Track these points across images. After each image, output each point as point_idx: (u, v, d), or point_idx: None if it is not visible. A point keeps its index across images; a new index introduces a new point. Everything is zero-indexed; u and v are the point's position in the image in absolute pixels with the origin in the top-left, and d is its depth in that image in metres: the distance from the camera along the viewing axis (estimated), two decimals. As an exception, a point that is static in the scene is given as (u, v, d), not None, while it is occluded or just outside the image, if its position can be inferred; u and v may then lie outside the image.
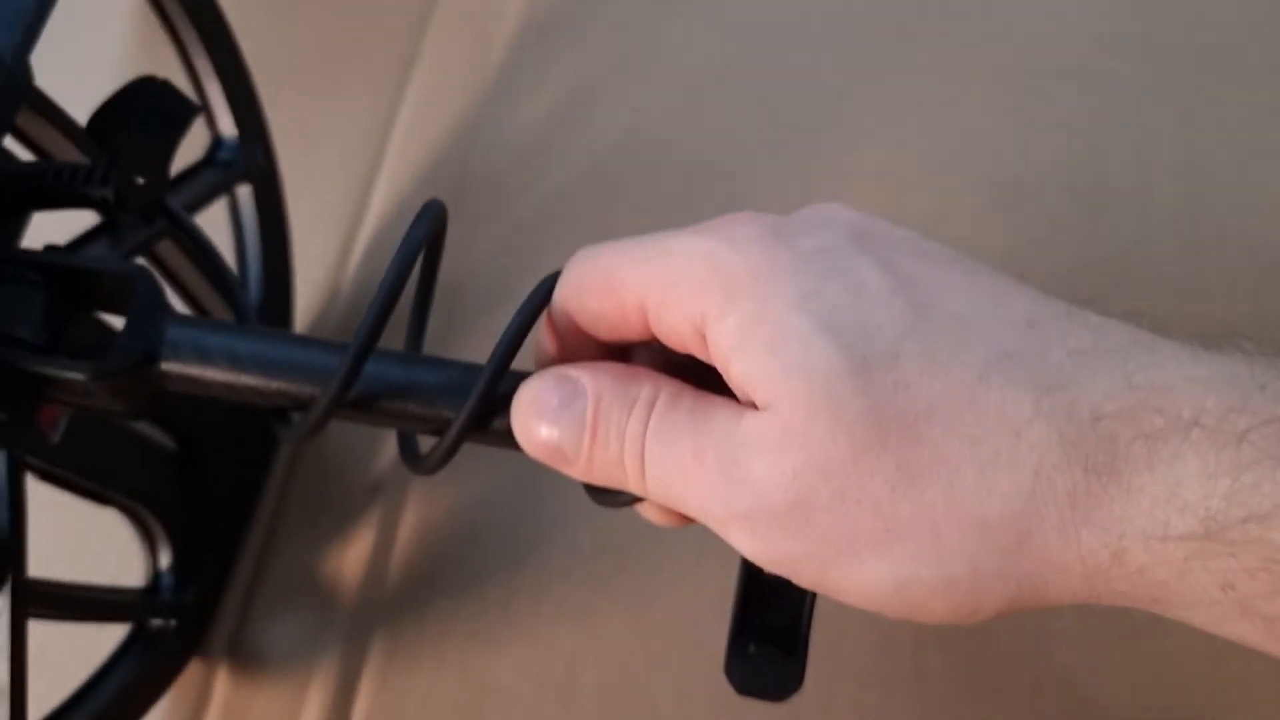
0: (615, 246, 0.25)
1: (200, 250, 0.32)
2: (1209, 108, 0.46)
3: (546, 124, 0.49)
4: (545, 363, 0.27)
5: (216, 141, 0.41)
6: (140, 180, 0.30)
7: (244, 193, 0.42)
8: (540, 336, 0.27)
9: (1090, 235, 0.44)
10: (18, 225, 0.31)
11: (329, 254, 0.48)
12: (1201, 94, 0.47)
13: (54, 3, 0.32)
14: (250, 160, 0.41)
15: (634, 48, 0.51)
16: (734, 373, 0.22)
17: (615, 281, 0.25)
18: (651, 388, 0.24)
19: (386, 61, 0.52)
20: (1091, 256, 0.43)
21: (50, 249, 0.32)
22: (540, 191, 0.47)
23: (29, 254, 0.30)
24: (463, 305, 0.45)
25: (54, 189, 0.31)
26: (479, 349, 0.44)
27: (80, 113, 0.33)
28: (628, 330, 0.25)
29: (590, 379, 0.25)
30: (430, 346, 0.31)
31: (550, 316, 0.27)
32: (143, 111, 0.30)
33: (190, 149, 0.38)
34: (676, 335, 0.24)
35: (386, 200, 0.49)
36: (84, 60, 0.50)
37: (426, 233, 0.27)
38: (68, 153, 0.34)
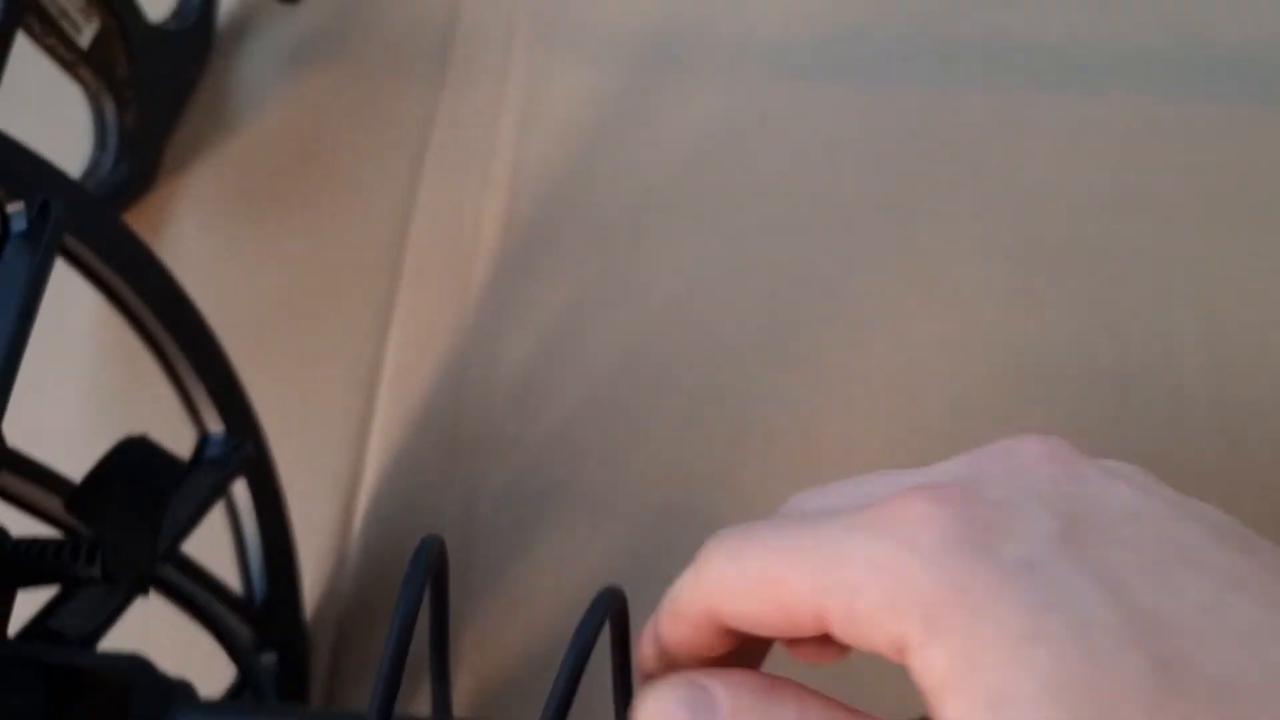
0: (763, 541, 0.22)
1: (199, 614, 0.30)
2: (1225, 263, 0.45)
3: (537, 353, 0.47)
4: (651, 669, 0.24)
5: (203, 439, 0.39)
6: (129, 552, 0.28)
7: (238, 486, 0.40)
8: (663, 636, 0.24)
9: (1119, 419, 0.42)
10: (4, 608, 0.29)
11: (330, 519, 0.46)
12: (1214, 248, 0.45)
13: (18, 366, 0.30)
14: (242, 455, 0.39)
15: (616, 258, 0.49)
16: (946, 713, 0.19)
17: (776, 585, 0.21)
18: (797, 708, 0.21)
19: (365, 301, 0.51)
20: (1123, 442, 0.42)
21: (38, 626, 0.30)
22: (541, 429, 0.46)
23: (19, 650, 0.28)
24: (474, 564, 0.43)
25: (38, 567, 0.29)
26: (496, 615, 0.42)
27: (59, 441, 0.32)
28: (796, 631, 0.22)
29: (726, 692, 0.22)
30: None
31: (676, 616, 0.24)
32: (126, 481, 0.28)
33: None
34: (869, 646, 0.21)
35: (382, 453, 0.47)
36: (57, 383, 0.48)
37: (424, 579, 0.25)
38: (50, 503, 0.32)
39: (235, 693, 0.37)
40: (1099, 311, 0.45)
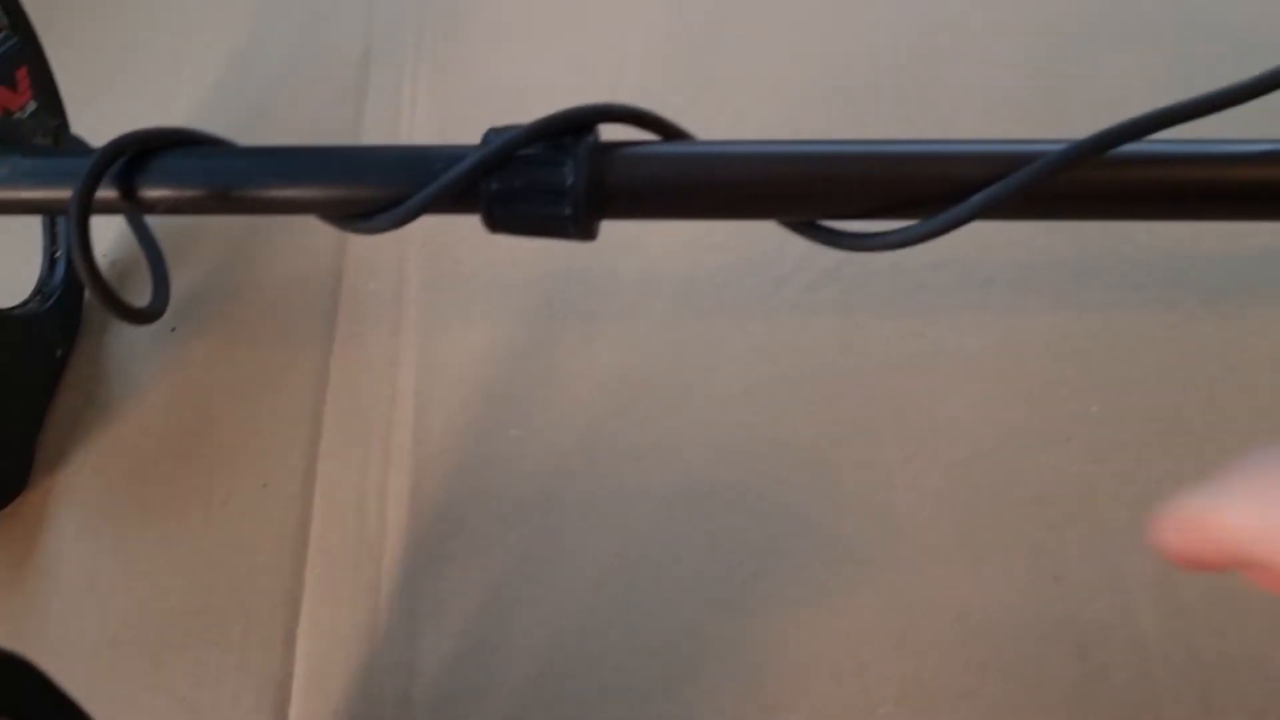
0: None
1: None
2: (1165, 489, 0.43)
3: (457, 658, 0.44)
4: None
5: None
6: None
7: None
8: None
9: (1081, 685, 0.40)
10: None
11: None
12: (1151, 472, 0.44)
13: None
14: None
15: (534, 538, 0.46)
16: None
17: None
18: None
19: (268, 605, 0.47)
20: (1089, 709, 0.39)
21: None
22: (471, 747, 0.42)
23: None
24: None
25: None
26: None
27: None
28: None
29: None
30: None
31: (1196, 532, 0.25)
32: None
33: None
34: None
35: (300, 790, 0.43)
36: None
37: None
38: None
39: None
40: (1042, 558, 0.43)
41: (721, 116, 0.57)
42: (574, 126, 0.37)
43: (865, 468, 0.46)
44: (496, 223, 0.38)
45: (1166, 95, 0.37)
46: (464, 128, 0.51)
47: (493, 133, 0.38)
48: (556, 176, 0.36)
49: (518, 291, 0.52)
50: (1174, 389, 0.46)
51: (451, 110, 0.61)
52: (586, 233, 0.38)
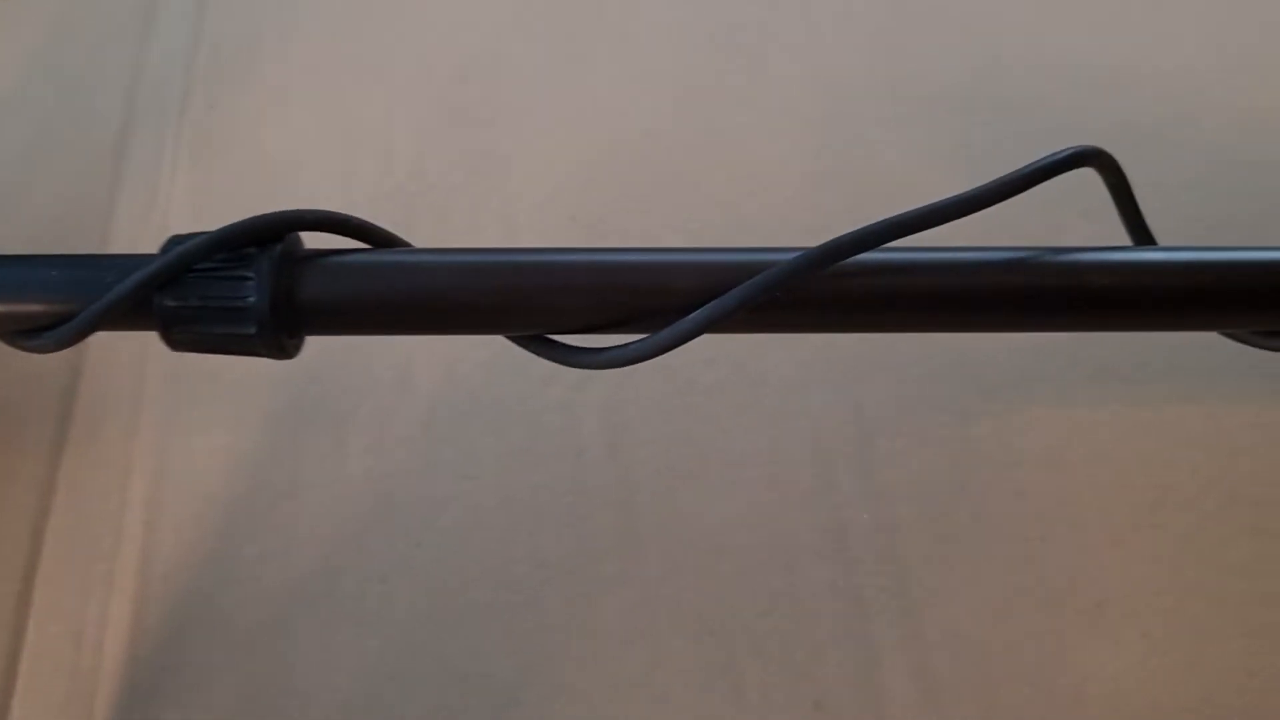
0: None
1: None
2: (933, 602, 0.41)
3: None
4: None
5: None
6: None
7: None
8: None
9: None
10: None
11: None
12: (925, 590, 0.42)
13: None
14: None
15: (263, 671, 0.42)
16: None
17: None
18: None
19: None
20: None
21: None
22: None
23: None
24: None
25: None
26: None
27: None
28: None
29: None
30: None
31: None
32: None
33: None
34: None
35: None
36: None
37: None
38: None
39: None
40: (804, 683, 0.40)
41: (497, 195, 0.54)
42: (261, 236, 0.33)
43: (625, 585, 0.43)
44: (177, 342, 0.34)
45: (949, 178, 0.36)
46: (227, 207, 0.47)
47: (173, 241, 0.34)
48: (237, 293, 0.33)
49: (264, 390, 0.48)
50: (946, 494, 0.44)
51: (214, 187, 0.56)
52: (281, 351, 0.34)
